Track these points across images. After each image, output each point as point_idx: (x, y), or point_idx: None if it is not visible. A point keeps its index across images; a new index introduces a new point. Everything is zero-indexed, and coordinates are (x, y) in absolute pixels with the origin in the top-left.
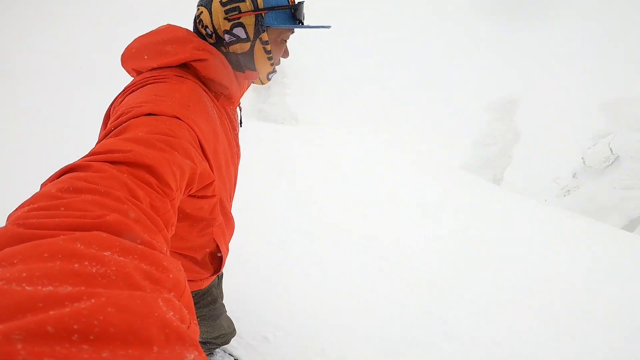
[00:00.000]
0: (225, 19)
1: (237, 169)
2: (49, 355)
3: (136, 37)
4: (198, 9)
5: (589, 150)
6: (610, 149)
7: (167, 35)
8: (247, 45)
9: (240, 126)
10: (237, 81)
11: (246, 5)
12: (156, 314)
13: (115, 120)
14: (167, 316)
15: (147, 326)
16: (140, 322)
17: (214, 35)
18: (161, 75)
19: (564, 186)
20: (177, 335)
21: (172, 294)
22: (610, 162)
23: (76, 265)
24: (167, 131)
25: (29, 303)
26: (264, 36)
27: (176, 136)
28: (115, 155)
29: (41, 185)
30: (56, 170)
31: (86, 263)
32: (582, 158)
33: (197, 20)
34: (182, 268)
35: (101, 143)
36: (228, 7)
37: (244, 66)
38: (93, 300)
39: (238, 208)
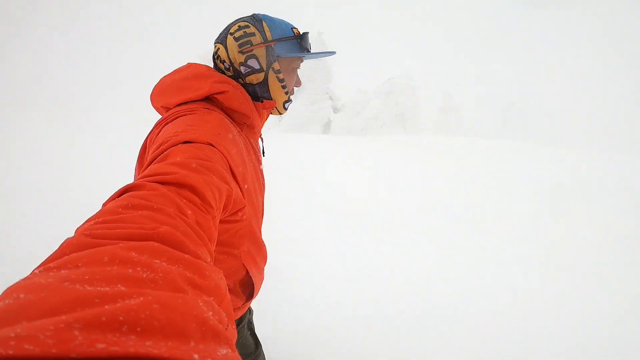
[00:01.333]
0: (239, 52)
1: (263, 199)
2: (101, 341)
3: (161, 77)
4: (215, 46)
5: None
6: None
7: (189, 72)
8: (262, 75)
9: (263, 156)
10: (257, 111)
11: (256, 39)
12: (195, 313)
13: (157, 150)
14: (205, 315)
15: (186, 322)
16: (181, 318)
17: (231, 68)
18: (190, 108)
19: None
20: (213, 333)
21: (212, 298)
22: (299, 86)
23: (130, 270)
24: (203, 156)
25: (88, 299)
26: (276, 65)
27: (212, 160)
28: (163, 177)
29: (103, 203)
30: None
31: (138, 269)
32: None
33: (216, 56)
34: (223, 276)
35: (150, 167)
36: (241, 41)
37: (261, 96)
38: (141, 298)
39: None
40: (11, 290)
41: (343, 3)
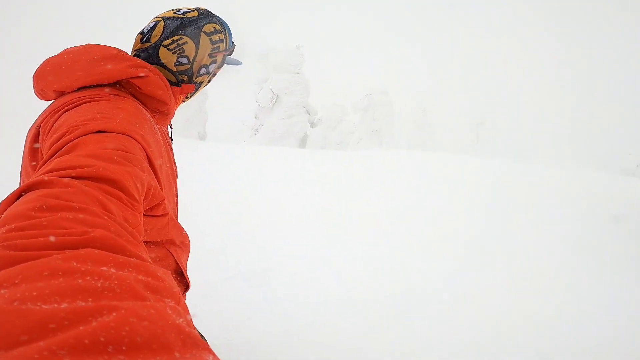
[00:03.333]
0: (209, 55)
1: (177, 187)
2: None
3: (48, 57)
4: (180, 37)
5: (259, 95)
6: (271, 90)
7: (97, 53)
8: (207, 78)
9: (172, 142)
10: (174, 96)
11: (223, 45)
12: (170, 322)
13: (58, 140)
14: (178, 322)
15: (166, 334)
16: (161, 330)
17: (190, 66)
18: (97, 94)
19: (252, 126)
20: (192, 341)
21: (172, 301)
22: (274, 101)
23: (80, 281)
24: (121, 147)
25: (54, 321)
26: (217, 71)
27: (131, 151)
28: (78, 170)
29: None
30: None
31: (88, 278)
32: (257, 101)
33: (177, 48)
34: (172, 277)
35: (56, 161)
36: (214, 45)
37: (180, 81)
38: (114, 314)
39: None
40: None
41: (321, 16)
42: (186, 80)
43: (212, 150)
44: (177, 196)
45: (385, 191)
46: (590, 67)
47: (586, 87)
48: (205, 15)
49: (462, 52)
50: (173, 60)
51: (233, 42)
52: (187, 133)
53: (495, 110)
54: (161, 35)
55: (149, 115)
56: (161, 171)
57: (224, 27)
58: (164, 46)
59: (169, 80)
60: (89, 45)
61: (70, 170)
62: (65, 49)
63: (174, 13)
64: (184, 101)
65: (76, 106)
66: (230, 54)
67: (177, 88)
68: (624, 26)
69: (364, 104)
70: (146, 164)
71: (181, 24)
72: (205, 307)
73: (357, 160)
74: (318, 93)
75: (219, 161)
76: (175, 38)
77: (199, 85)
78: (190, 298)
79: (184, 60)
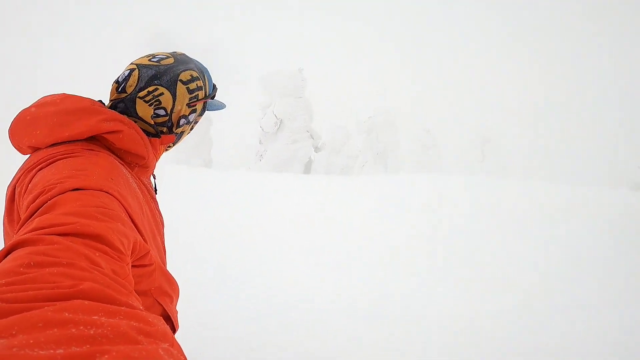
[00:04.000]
0: (187, 105)
1: (163, 237)
2: None
3: (22, 109)
4: (155, 87)
5: (262, 120)
6: (275, 115)
7: (67, 105)
8: (187, 127)
9: (156, 193)
10: (153, 148)
11: (202, 93)
12: None
13: (35, 200)
14: None
15: None
16: None
17: (169, 117)
18: (70, 150)
19: (256, 152)
20: None
21: (166, 344)
22: (278, 126)
23: (74, 330)
24: (100, 204)
25: None
26: (199, 118)
27: (111, 208)
28: (61, 228)
29: None
30: None
31: (81, 327)
32: (260, 127)
33: (153, 100)
34: (164, 322)
35: (38, 220)
36: (193, 94)
37: (159, 132)
38: (106, 357)
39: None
40: None
41: (323, 39)
42: (166, 132)
43: (217, 178)
44: (164, 245)
45: (390, 223)
46: (595, 82)
47: (591, 103)
48: (181, 62)
49: (465, 69)
50: (150, 112)
51: (214, 86)
52: (193, 161)
53: (501, 126)
54: (136, 86)
55: (124, 170)
56: (142, 224)
57: (202, 73)
58: (140, 98)
59: (147, 132)
60: (64, 97)
61: (53, 228)
62: (40, 99)
63: (149, 60)
64: (166, 150)
65: (50, 164)
66: (213, 98)
67: (156, 140)
68: (629, 37)
69: (368, 125)
70: (127, 219)
71: (156, 73)
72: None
73: (359, 189)
74: (321, 115)
75: (224, 191)
76: (150, 89)
77: (180, 135)
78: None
79: (161, 112)
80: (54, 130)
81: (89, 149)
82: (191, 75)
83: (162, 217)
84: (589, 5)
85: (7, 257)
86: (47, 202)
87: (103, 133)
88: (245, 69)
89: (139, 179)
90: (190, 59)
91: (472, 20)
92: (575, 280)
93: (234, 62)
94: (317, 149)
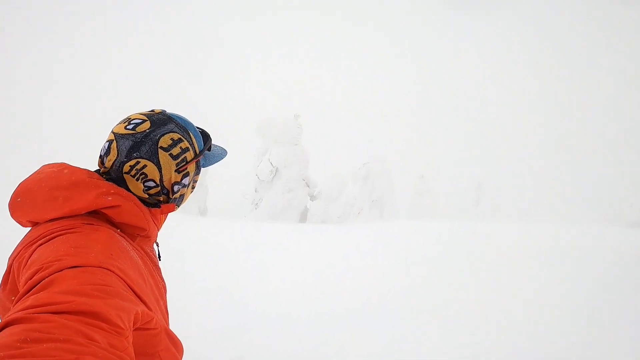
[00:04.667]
0: (176, 171)
1: (165, 301)
2: None
3: (22, 180)
4: (137, 161)
5: (258, 168)
6: (271, 163)
7: (62, 180)
8: (185, 190)
9: (160, 260)
10: (154, 218)
11: (190, 154)
12: None
13: (32, 277)
14: None
15: None
16: None
17: (160, 188)
18: (69, 225)
19: (252, 201)
20: None
21: None
22: (274, 174)
23: None
24: (98, 281)
25: None
26: (197, 177)
27: (109, 284)
28: (56, 306)
29: None
30: None
31: None
32: (256, 175)
33: (138, 175)
34: None
35: (33, 298)
36: (179, 159)
37: (157, 202)
38: None
39: None
40: None
41: (315, 86)
42: (164, 201)
43: (213, 227)
44: (166, 308)
45: (387, 270)
46: (584, 123)
47: (581, 143)
48: (158, 125)
49: (457, 114)
50: (140, 187)
51: (207, 138)
52: (187, 209)
53: (494, 170)
54: (116, 160)
55: (125, 243)
56: (146, 294)
57: (185, 131)
58: (126, 173)
59: (147, 202)
60: (61, 169)
61: (48, 307)
62: (39, 170)
63: (125, 127)
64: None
65: (49, 240)
66: (209, 149)
67: (156, 210)
68: (621, 75)
69: (363, 173)
70: (127, 293)
71: (134, 144)
72: None
73: (356, 236)
74: (317, 163)
75: (219, 240)
76: (132, 163)
77: (181, 198)
78: None
79: (151, 184)
80: (53, 206)
81: (89, 224)
82: (172, 139)
83: (164, 283)
84: (578, 51)
85: (2, 332)
86: (44, 279)
87: (102, 208)
88: (240, 113)
89: (141, 248)
90: (169, 117)
91: (461, 69)
92: (578, 325)
93: (226, 105)
94: (313, 197)
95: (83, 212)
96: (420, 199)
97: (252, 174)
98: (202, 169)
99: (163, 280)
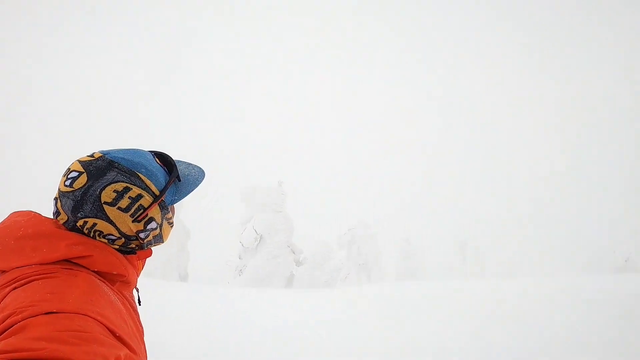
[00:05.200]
0: (135, 222)
1: (145, 349)
2: None
3: None
4: (84, 221)
5: (242, 235)
6: (255, 230)
7: (29, 229)
8: (158, 231)
9: (139, 305)
10: (132, 264)
11: (146, 200)
12: None
13: (4, 321)
14: None
15: None
16: None
17: (123, 239)
18: (47, 270)
19: (236, 267)
20: None
21: None
22: (258, 241)
23: None
24: (75, 327)
25: None
26: (169, 215)
27: (86, 331)
28: (26, 353)
29: None
30: None
31: None
32: (240, 242)
33: (93, 232)
34: None
35: (3, 342)
36: (132, 210)
37: (131, 250)
38: None
39: None
40: None
41: (300, 154)
42: (137, 247)
43: (194, 292)
44: (146, 354)
45: (375, 332)
46: (559, 176)
47: (563, 197)
48: (96, 177)
49: (440, 175)
50: (104, 240)
51: (172, 167)
52: (167, 274)
53: (479, 227)
54: (67, 220)
55: (105, 288)
56: (129, 337)
57: (133, 175)
58: (84, 233)
59: (119, 250)
60: (29, 217)
61: (18, 354)
62: (7, 218)
63: (64, 184)
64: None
65: (25, 284)
66: (179, 180)
67: (132, 256)
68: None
69: (348, 238)
70: (108, 338)
71: (75, 205)
72: None
73: (342, 300)
74: (302, 229)
75: (201, 306)
76: (80, 223)
77: (158, 239)
78: None
79: (112, 236)
80: (20, 256)
81: (67, 268)
82: (115, 192)
83: (142, 329)
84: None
85: None
86: (16, 323)
87: (74, 258)
88: (226, 179)
89: (120, 293)
90: (110, 162)
91: (434, 132)
92: None
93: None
94: (298, 263)
95: (55, 261)
96: (407, 262)
97: (235, 241)
98: (183, 235)
99: (141, 326)
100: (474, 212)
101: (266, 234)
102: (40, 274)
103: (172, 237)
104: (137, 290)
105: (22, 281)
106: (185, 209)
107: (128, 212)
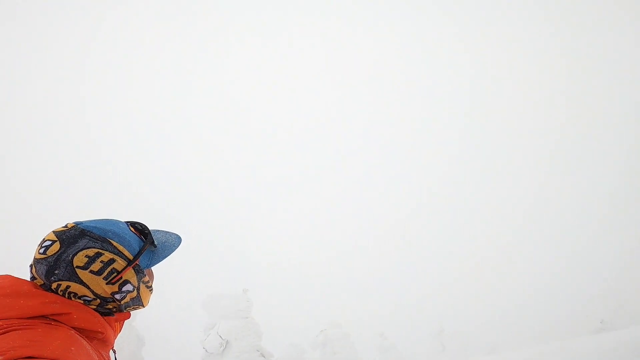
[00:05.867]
0: (108, 284)
1: None
2: None
3: None
4: (58, 284)
5: (206, 341)
6: (220, 336)
7: (6, 289)
8: (135, 293)
9: None
10: (110, 325)
11: (120, 264)
12: None
13: None
14: None
15: None
16: None
17: (98, 300)
18: (27, 323)
19: None
20: None
21: None
22: (224, 346)
23: None
24: None
25: None
26: (146, 278)
27: None
28: None
29: None
30: None
31: None
32: (204, 348)
33: (68, 294)
34: None
35: None
36: (105, 273)
37: (109, 311)
38: None
39: None
40: None
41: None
42: (114, 309)
43: None
44: None
45: None
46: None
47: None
48: (69, 244)
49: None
50: (80, 302)
51: (147, 233)
52: None
53: (454, 314)
54: (43, 284)
55: (85, 342)
56: None
57: (104, 242)
58: (59, 290)
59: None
60: (4, 278)
61: None
62: None
63: (39, 252)
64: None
65: (4, 332)
66: (153, 245)
67: (110, 317)
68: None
69: (321, 339)
70: None
71: (48, 269)
72: None
73: None
74: (271, 334)
75: None
76: (54, 286)
77: (137, 301)
78: None
79: (88, 297)
80: (0, 311)
81: (47, 323)
82: (87, 257)
83: None
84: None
85: None
86: None
87: (51, 315)
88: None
89: (98, 351)
90: (82, 231)
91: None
92: None
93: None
94: None
95: (33, 316)
96: (386, 355)
97: (198, 346)
98: (137, 342)
99: None
100: (450, 296)
101: (232, 339)
102: (20, 326)
103: (124, 345)
104: (115, 352)
105: (2, 330)
106: (140, 315)
107: (101, 274)
